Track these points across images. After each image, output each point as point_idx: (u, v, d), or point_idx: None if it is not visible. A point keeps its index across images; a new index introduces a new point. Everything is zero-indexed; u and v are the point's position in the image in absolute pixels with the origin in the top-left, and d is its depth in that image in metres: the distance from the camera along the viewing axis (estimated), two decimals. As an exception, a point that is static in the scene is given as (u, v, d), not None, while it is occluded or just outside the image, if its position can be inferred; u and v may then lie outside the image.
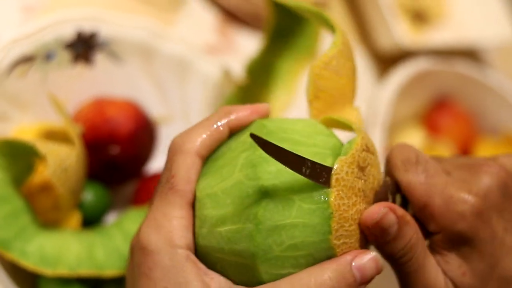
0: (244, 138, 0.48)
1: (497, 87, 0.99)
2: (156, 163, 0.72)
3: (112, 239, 0.63)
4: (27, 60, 0.64)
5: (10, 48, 0.63)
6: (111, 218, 0.70)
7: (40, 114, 0.67)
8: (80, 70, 0.69)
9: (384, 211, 0.46)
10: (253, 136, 0.44)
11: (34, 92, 0.66)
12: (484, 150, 0.96)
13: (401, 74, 0.90)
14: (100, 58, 0.70)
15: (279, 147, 0.44)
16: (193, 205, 0.48)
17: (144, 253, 0.45)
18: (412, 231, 0.48)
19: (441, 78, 0.97)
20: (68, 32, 0.66)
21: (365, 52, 0.99)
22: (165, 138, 0.72)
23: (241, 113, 0.50)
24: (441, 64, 0.96)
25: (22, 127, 0.66)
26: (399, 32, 0.94)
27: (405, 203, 0.51)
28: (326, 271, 0.44)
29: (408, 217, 0.48)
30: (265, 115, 0.51)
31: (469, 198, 0.49)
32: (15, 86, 0.64)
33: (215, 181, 0.47)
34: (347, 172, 0.46)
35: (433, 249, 0.50)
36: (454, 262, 0.50)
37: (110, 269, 0.61)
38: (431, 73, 0.94)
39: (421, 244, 0.49)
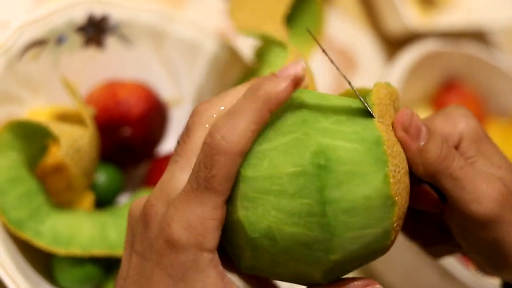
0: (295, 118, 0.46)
1: (505, 69, 0.99)
2: (167, 145, 0.72)
3: (124, 219, 0.63)
4: (39, 43, 0.65)
5: (22, 31, 0.63)
6: (123, 199, 0.70)
7: (52, 97, 0.68)
8: (91, 53, 0.69)
9: (410, 110, 0.47)
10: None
11: (46, 75, 0.67)
12: (493, 131, 0.96)
13: (409, 56, 0.90)
14: (111, 41, 0.70)
15: None
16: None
17: (169, 246, 0.44)
18: (439, 132, 0.49)
19: (450, 60, 0.97)
20: (79, 15, 0.67)
21: (374, 35, 1.00)
22: (176, 120, 0.72)
23: (272, 87, 0.45)
24: (449, 46, 0.96)
25: (35, 110, 0.66)
26: (408, 15, 0.95)
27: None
28: None
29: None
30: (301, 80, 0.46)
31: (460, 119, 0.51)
32: (27, 69, 0.65)
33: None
34: (385, 94, 0.47)
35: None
36: (485, 162, 0.51)
37: (122, 249, 0.62)
38: (440, 54, 0.95)
39: (456, 153, 0.49)
